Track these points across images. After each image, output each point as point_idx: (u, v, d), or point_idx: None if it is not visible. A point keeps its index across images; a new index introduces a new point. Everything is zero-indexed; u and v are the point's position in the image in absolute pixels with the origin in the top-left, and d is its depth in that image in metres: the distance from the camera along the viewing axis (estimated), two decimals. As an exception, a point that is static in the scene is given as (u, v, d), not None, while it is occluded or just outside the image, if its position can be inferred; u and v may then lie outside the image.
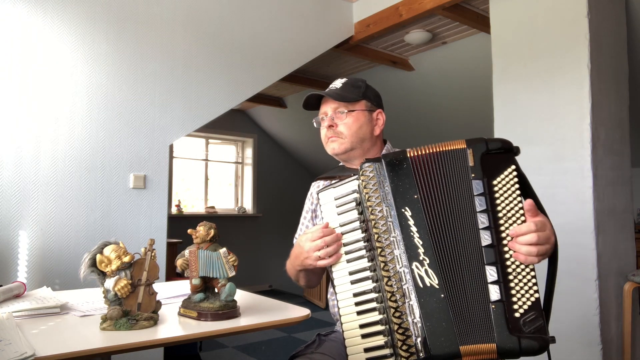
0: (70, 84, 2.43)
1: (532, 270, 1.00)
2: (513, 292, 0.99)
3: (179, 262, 1.18)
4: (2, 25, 2.27)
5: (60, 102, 2.40)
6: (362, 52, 3.83)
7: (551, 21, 2.49)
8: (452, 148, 1.07)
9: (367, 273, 1.09)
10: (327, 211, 1.17)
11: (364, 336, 1.07)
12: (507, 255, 1.01)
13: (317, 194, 1.21)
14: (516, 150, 1.07)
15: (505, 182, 1.03)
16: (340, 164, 1.48)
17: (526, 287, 0.99)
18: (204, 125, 2.87)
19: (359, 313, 1.09)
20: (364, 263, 1.10)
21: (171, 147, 2.93)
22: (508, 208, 1.03)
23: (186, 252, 1.17)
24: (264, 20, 3.10)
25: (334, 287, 1.15)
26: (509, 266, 1.00)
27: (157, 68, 2.68)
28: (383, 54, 3.94)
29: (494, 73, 2.75)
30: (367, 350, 1.06)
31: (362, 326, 1.08)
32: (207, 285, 1.16)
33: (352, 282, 1.11)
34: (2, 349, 0.84)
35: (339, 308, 1.12)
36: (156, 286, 1.11)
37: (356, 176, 1.14)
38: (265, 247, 6.35)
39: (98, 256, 1.05)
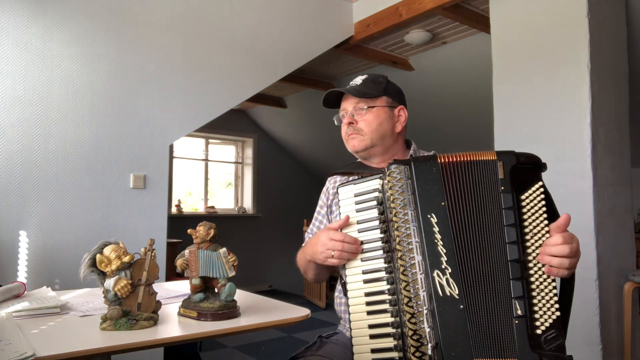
0: (71, 84, 2.43)
1: (555, 288, 1.00)
2: (536, 308, 0.99)
3: (179, 262, 1.18)
4: (3, 25, 2.27)
5: (61, 102, 2.40)
6: (362, 52, 3.83)
7: (551, 21, 2.48)
8: (482, 158, 1.05)
9: (382, 274, 1.08)
10: (345, 206, 1.15)
11: (372, 337, 1.06)
12: (531, 272, 1.01)
13: (337, 188, 1.18)
14: (544, 167, 1.06)
15: (532, 197, 1.03)
16: (358, 160, 1.46)
17: (548, 305, 0.99)
18: (204, 125, 2.87)
19: (370, 313, 1.07)
20: (380, 264, 1.08)
21: (171, 147, 2.92)
22: (534, 224, 1.02)
23: (186, 252, 1.17)
24: (264, 21, 3.10)
25: (344, 284, 1.13)
26: (532, 282, 1.00)
27: (157, 68, 2.68)
28: (383, 54, 3.94)
29: (494, 73, 2.75)
30: (374, 351, 1.05)
31: (371, 326, 1.07)
32: (207, 285, 1.16)
33: (365, 282, 1.09)
34: (2, 349, 0.84)
35: (348, 306, 1.10)
36: (156, 286, 1.11)
37: (380, 175, 1.11)
38: (265, 247, 6.34)
39: (98, 256, 1.05)
